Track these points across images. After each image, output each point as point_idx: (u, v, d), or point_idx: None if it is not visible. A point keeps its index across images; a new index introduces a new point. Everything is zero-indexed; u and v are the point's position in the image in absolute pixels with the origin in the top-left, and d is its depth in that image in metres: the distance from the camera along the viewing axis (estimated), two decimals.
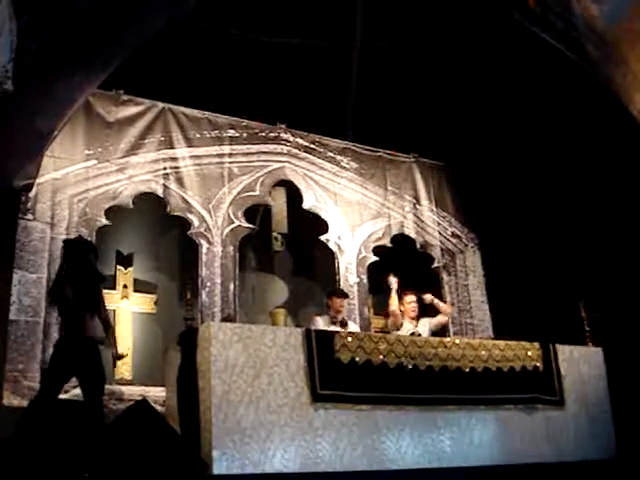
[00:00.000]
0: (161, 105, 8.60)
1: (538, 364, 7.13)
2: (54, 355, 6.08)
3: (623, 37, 8.06)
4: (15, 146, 7.18)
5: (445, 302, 8.90)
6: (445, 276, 9.82)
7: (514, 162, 9.76)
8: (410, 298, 7.86)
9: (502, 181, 9.97)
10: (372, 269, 9.33)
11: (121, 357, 6.55)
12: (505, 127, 9.68)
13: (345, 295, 8.07)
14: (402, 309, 7.85)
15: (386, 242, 9.47)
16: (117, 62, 7.28)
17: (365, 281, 9.22)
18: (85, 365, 5.91)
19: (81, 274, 6.22)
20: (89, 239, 7.52)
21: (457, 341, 6.96)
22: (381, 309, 9.39)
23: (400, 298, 7.89)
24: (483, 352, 6.82)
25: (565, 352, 7.42)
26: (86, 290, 6.24)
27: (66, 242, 6.74)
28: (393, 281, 8.02)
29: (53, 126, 7.34)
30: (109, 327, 6.44)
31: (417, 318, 7.77)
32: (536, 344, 7.22)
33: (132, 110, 8.45)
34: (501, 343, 7.06)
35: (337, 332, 6.40)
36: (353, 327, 7.87)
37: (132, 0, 6.97)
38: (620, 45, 8.06)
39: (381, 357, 6.21)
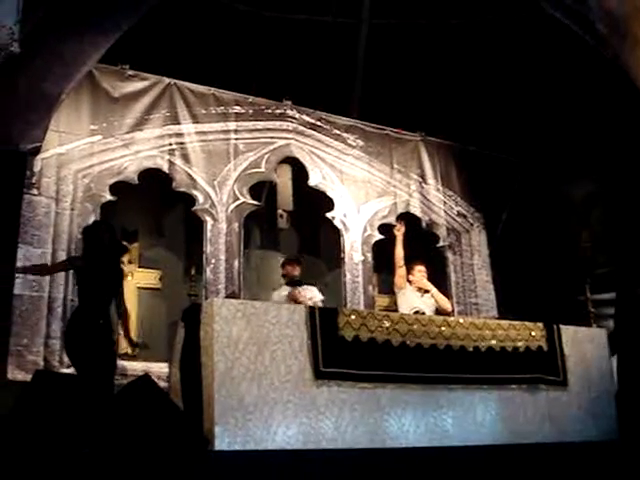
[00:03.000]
0: (167, 80, 8.57)
1: (542, 344, 7.09)
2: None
3: (635, 16, 7.97)
4: (22, 109, 7.19)
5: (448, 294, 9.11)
6: (450, 255, 9.82)
7: (521, 142, 9.72)
8: (420, 267, 8.02)
9: (509, 161, 9.93)
10: (377, 247, 9.32)
11: (137, 345, 6.66)
12: (513, 105, 9.62)
13: (297, 261, 8.37)
14: (411, 279, 7.91)
15: (392, 220, 9.42)
16: (126, 26, 7.26)
17: (370, 259, 9.23)
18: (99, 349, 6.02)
19: (101, 259, 6.31)
20: (92, 215, 7.59)
21: (461, 320, 6.92)
22: (386, 287, 9.40)
23: (410, 268, 7.95)
24: (487, 332, 6.78)
25: (569, 332, 7.37)
26: (107, 275, 6.35)
27: (83, 230, 6.86)
28: (400, 228, 8.13)
29: (61, 89, 7.36)
30: (125, 315, 6.65)
31: (426, 290, 7.85)
32: (540, 324, 7.18)
33: (137, 85, 8.42)
34: (505, 323, 7.03)
35: (341, 309, 6.38)
36: (310, 289, 7.98)
37: None
38: (632, 23, 7.98)
39: (385, 335, 6.17)
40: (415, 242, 9.11)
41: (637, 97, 7.80)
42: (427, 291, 8.04)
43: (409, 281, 8.03)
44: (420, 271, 8.04)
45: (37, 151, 7.47)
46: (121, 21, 7.32)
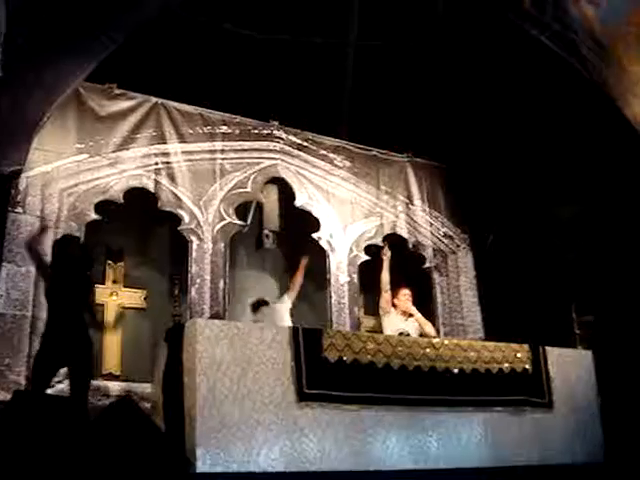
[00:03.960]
0: (154, 100, 8.57)
1: (527, 366, 7.10)
2: (42, 346, 6.15)
3: (619, 40, 8.05)
4: (2, 132, 7.14)
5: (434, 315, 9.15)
6: (437, 276, 9.80)
7: (508, 163, 9.72)
8: (404, 291, 7.94)
9: (496, 182, 9.94)
10: (364, 268, 9.30)
11: None
12: (500, 128, 9.64)
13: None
14: (396, 302, 7.89)
15: (378, 241, 9.42)
16: (108, 50, 7.24)
17: (356, 280, 9.21)
18: (73, 356, 5.98)
19: (69, 269, 6.28)
20: (77, 234, 7.53)
21: (446, 342, 6.92)
22: (372, 309, 9.37)
23: (395, 292, 7.93)
24: (472, 353, 6.77)
25: (555, 354, 7.38)
26: (75, 285, 6.30)
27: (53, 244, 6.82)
28: (386, 252, 8.12)
29: (42, 113, 7.31)
30: (94, 323, 6.53)
31: (410, 314, 7.81)
32: (525, 346, 7.18)
33: (124, 104, 8.41)
34: (490, 345, 7.03)
35: (325, 330, 6.37)
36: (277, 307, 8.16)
37: None
38: (616, 47, 8.05)
39: (369, 357, 6.16)
40: (401, 263, 9.09)
41: (621, 120, 7.87)
42: (412, 315, 8.00)
43: (394, 305, 7.99)
44: (405, 295, 7.96)
45: (18, 174, 7.44)
46: (102, 46, 7.29)
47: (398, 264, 8.76)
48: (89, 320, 6.42)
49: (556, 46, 8.01)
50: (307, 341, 5.96)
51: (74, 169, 7.92)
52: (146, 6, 7.21)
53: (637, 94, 8.00)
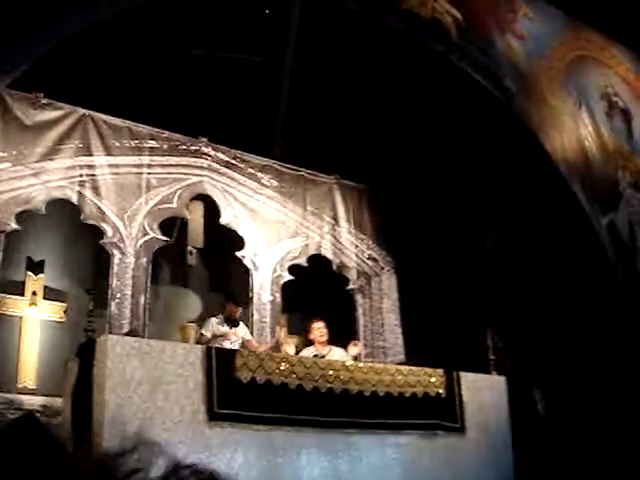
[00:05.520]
0: (82, 111, 8.46)
1: (441, 391, 7.21)
2: None
3: (543, 73, 8.28)
4: None
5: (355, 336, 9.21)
6: (360, 298, 9.89)
7: (433, 188, 9.89)
8: (318, 324, 7.80)
9: (422, 206, 10.08)
10: (287, 288, 9.34)
11: None
12: (426, 152, 9.80)
13: (240, 304, 8.34)
14: (311, 337, 7.82)
15: (302, 261, 9.50)
16: (27, 65, 7.12)
17: (279, 300, 9.22)
18: None
19: None
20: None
21: (360, 365, 7.00)
22: (295, 328, 9.40)
23: (308, 326, 7.90)
24: (386, 377, 6.85)
25: (468, 379, 7.51)
26: None
27: None
28: (280, 332, 8.23)
29: None
30: None
31: (328, 342, 7.72)
32: (440, 371, 7.29)
33: (51, 114, 8.29)
34: (405, 368, 7.12)
35: (238, 351, 6.39)
36: (242, 328, 8.12)
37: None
38: (539, 80, 8.29)
39: (281, 377, 6.19)
40: (325, 284, 9.16)
41: (540, 149, 8.08)
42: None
43: (310, 340, 7.88)
44: (318, 329, 7.79)
45: None
46: (21, 59, 7.18)
47: (322, 285, 8.84)
48: None
49: (481, 76, 8.20)
50: (220, 361, 5.96)
51: None
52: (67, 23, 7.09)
53: (557, 127, 8.25)
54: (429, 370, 7.23)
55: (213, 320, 7.99)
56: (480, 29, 8.07)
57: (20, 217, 7.87)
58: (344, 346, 7.79)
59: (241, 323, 8.23)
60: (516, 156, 8.81)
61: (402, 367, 7.20)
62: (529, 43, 8.50)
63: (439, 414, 7.13)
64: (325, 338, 7.74)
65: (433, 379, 7.19)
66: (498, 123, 8.75)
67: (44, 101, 8.27)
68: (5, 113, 8.01)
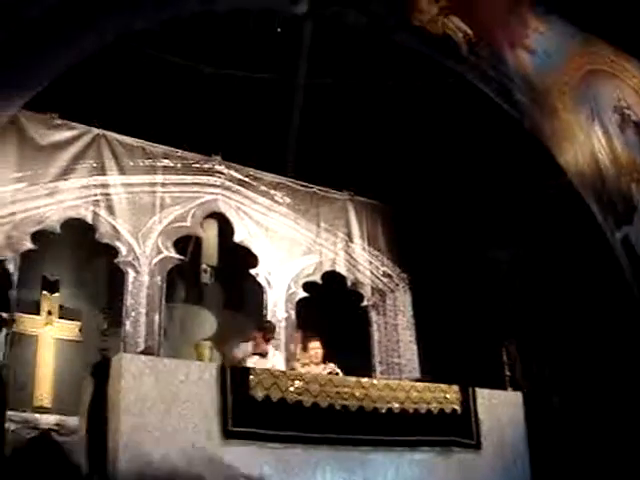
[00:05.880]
0: (95, 131, 8.55)
1: (456, 407, 7.15)
2: None
3: (554, 87, 8.25)
4: None
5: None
6: (374, 315, 9.87)
7: (448, 204, 9.89)
8: (314, 344, 7.69)
9: (436, 223, 10.08)
10: (301, 305, 9.33)
11: None
12: (441, 170, 9.81)
13: (271, 335, 7.85)
14: (308, 356, 7.73)
15: (316, 278, 9.50)
16: (45, 83, 7.19)
17: (293, 317, 9.22)
18: None
19: None
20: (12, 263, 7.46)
21: (375, 382, 6.96)
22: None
23: (305, 346, 7.82)
24: (401, 393, 6.81)
25: (484, 396, 7.45)
26: None
27: None
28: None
29: None
30: None
31: (324, 362, 7.64)
32: (455, 387, 7.24)
33: (65, 134, 8.38)
34: (420, 385, 7.07)
35: (252, 369, 6.35)
36: (277, 357, 7.77)
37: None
38: (550, 94, 8.26)
39: (296, 395, 6.17)
40: (340, 301, 9.14)
41: (552, 165, 8.06)
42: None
43: (305, 363, 7.76)
44: (314, 348, 7.66)
45: None
46: (40, 79, 7.24)
47: (337, 301, 8.82)
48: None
49: (491, 91, 8.20)
50: (234, 379, 5.95)
51: (10, 198, 7.83)
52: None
53: (570, 140, 8.22)
54: (444, 386, 7.17)
55: (242, 346, 7.59)
56: (491, 44, 8.06)
57: (35, 237, 7.92)
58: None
59: (271, 350, 7.71)
60: (529, 172, 8.80)
61: (417, 383, 7.15)
62: (540, 57, 8.46)
63: (455, 431, 7.07)
64: (319, 359, 7.59)
65: (448, 395, 7.13)
66: (510, 139, 8.76)
67: (58, 121, 8.36)
68: (20, 133, 8.10)
